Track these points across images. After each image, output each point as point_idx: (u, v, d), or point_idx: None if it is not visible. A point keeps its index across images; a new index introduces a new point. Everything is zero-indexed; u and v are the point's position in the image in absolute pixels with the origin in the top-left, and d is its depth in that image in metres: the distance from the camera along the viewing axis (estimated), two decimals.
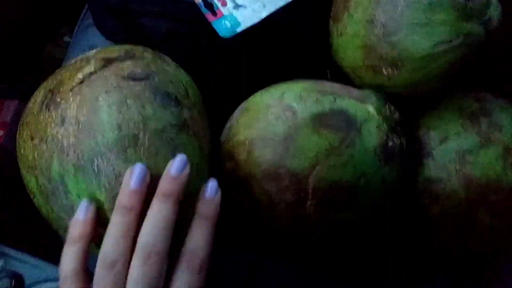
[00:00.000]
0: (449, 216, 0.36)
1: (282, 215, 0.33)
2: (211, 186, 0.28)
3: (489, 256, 0.38)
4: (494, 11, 0.33)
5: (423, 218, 0.37)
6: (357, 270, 0.39)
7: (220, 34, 0.39)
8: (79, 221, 0.27)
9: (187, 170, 0.27)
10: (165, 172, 0.27)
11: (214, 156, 0.35)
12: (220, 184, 0.35)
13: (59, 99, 0.30)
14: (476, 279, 0.40)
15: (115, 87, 0.29)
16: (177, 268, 0.26)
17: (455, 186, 0.35)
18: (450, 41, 0.32)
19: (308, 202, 0.32)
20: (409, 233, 0.38)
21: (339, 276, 0.39)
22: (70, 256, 0.27)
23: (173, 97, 0.31)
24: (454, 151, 0.35)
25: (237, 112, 0.37)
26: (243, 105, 0.37)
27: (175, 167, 0.27)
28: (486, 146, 0.34)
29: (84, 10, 0.56)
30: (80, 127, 0.28)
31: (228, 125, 0.37)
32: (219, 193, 0.28)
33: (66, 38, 0.83)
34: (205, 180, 0.32)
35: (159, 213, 0.26)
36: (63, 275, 0.27)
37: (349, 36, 0.36)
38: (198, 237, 0.27)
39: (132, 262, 0.26)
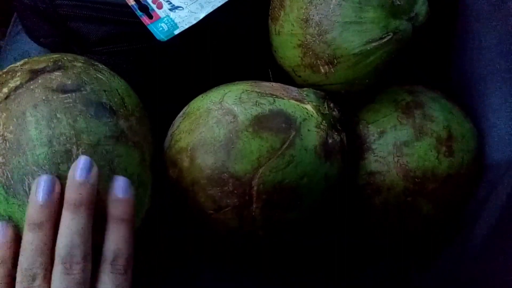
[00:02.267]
0: (391, 207, 0.37)
1: (228, 218, 0.33)
2: (118, 185, 0.27)
3: (429, 241, 0.40)
4: (421, 7, 0.34)
5: (367, 209, 0.38)
6: (303, 264, 0.40)
7: (157, 37, 0.38)
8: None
9: (94, 171, 0.26)
10: (68, 178, 0.26)
11: (158, 163, 0.35)
12: (166, 190, 0.35)
13: None
14: (417, 263, 0.42)
15: (44, 100, 0.28)
16: (100, 273, 0.26)
17: (394, 177, 0.36)
18: (380, 38, 0.33)
19: (254, 205, 0.32)
20: (354, 224, 0.39)
21: (288, 274, 0.39)
22: None
23: (108, 108, 0.30)
24: (391, 144, 0.36)
25: (178, 118, 0.36)
26: (185, 109, 0.36)
27: (79, 171, 0.26)
28: (420, 137, 0.36)
29: (14, 15, 0.53)
30: (7, 145, 0.27)
31: (170, 131, 0.36)
32: (130, 192, 0.27)
33: (0, 42, 0.78)
34: (148, 191, 0.32)
35: (72, 225, 0.25)
36: None
37: (287, 35, 0.36)
38: (117, 240, 0.26)
39: (53, 275, 0.25)
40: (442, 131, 0.36)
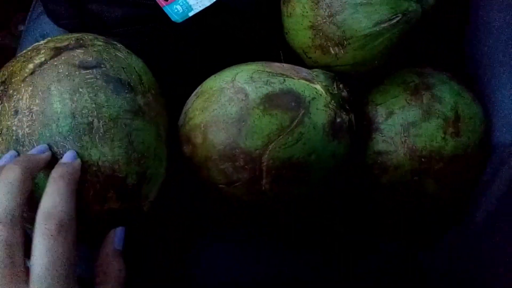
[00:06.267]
0: (397, 185, 0.38)
1: (239, 192, 0.34)
2: (68, 154, 0.28)
3: (434, 221, 0.41)
4: None
5: (374, 188, 0.39)
6: (311, 240, 0.41)
7: (172, 19, 0.39)
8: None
9: (47, 153, 0.28)
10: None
11: (173, 140, 0.36)
12: (181, 166, 0.36)
13: (11, 91, 0.30)
14: (422, 242, 0.43)
15: (67, 75, 0.30)
16: (34, 235, 0.24)
17: (401, 157, 0.37)
18: (390, 19, 0.33)
19: (263, 180, 0.33)
20: (361, 202, 0.40)
21: (293, 247, 0.41)
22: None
23: (126, 84, 0.31)
24: (399, 125, 0.37)
25: (192, 96, 0.38)
26: (198, 89, 0.38)
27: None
28: (428, 118, 0.37)
29: None
30: (33, 117, 0.29)
31: (184, 109, 0.37)
32: (78, 160, 0.28)
33: (20, 27, 0.81)
34: (163, 163, 0.33)
35: (1, 180, 0.25)
36: None
37: (298, 17, 0.37)
38: (52, 197, 0.25)
39: None
40: (450, 112, 0.37)
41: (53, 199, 0.25)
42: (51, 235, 0.24)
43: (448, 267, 0.41)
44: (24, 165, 0.26)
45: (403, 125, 0.37)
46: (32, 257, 0.24)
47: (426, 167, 0.37)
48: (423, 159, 0.37)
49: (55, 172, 0.27)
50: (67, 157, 0.28)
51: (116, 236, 0.28)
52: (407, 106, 0.38)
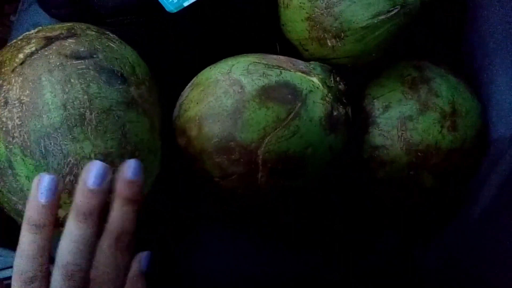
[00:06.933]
0: (394, 180, 0.38)
1: (235, 186, 0.34)
2: (130, 166, 0.26)
3: (432, 215, 0.40)
4: None
5: (371, 183, 0.39)
6: (308, 236, 0.41)
7: (167, 9, 0.38)
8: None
9: (108, 178, 0.25)
10: (79, 182, 0.25)
11: (168, 132, 0.36)
12: (175, 159, 0.36)
13: (1, 81, 0.29)
14: (419, 238, 0.42)
15: (58, 66, 0.29)
16: (101, 248, 0.25)
17: (397, 151, 0.37)
18: (388, 11, 0.33)
19: (259, 173, 0.33)
20: (358, 196, 0.40)
21: (290, 245, 0.40)
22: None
23: (119, 75, 0.31)
24: (396, 118, 0.37)
25: (187, 88, 0.37)
26: (193, 80, 0.37)
27: (93, 178, 0.25)
28: (425, 112, 0.36)
29: None
30: (24, 108, 0.28)
31: (179, 101, 0.37)
32: (141, 175, 0.26)
33: (12, 17, 0.79)
34: (157, 157, 0.33)
35: (75, 231, 0.25)
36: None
37: (295, 9, 0.37)
38: (124, 219, 0.26)
39: (53, 277, 0.25)
40: (446, 106, 0.36)
41: (124, 222, 0.26)
42: (123, 251, 0.26)
43: (445, 263, 0.41)
44: (96, 212, 0.25)
45: (400, 119, 0.37)
46: (97, 268, 0.25)
47: (423, 161, 0.37)
48: (419, 153, 0.37)
49: (126, 193, 0.25)
50: (135, 172, 0.25)
51: (144, 259, 0.28)
52: (404, 99, 0.37)
